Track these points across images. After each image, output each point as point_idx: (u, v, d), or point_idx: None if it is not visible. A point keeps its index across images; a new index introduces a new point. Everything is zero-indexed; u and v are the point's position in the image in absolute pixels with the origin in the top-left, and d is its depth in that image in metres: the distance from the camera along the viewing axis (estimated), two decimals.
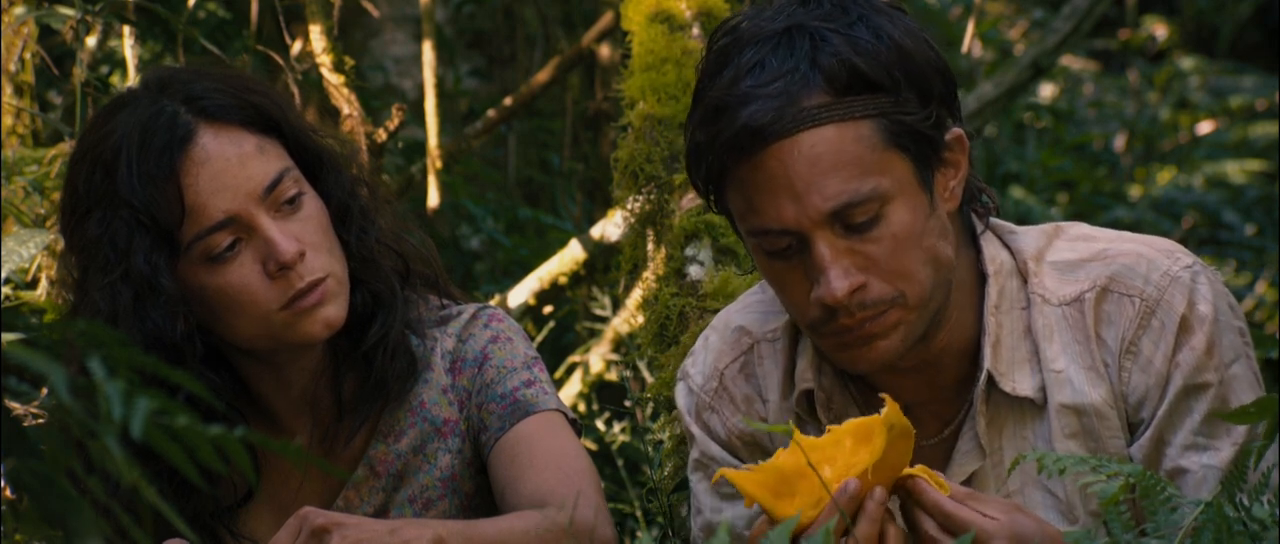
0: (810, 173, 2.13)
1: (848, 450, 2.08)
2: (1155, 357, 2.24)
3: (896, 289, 2.18)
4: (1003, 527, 2.02)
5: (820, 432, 2.37)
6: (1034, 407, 2.28)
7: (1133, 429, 2.27)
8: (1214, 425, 2.22)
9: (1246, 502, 1.87)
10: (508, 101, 5.13)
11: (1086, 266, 2.29)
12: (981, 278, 2.30)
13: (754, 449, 2.42)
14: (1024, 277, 2.30)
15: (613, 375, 4.65)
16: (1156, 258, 2.27)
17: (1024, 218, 7.14)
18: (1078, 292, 2.27)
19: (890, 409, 2.05)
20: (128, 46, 3.92)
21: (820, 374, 2.34)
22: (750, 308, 2.44)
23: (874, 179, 2.14)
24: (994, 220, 2.33)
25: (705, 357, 2.45)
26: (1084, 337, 2.26)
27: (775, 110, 2.13)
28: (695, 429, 2.44)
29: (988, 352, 2.26)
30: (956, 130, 2.22)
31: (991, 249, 2.30)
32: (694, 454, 2.46)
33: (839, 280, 2.15)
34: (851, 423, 2.08)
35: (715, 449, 2.42)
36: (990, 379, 2.27)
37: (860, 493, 2.03)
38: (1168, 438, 2.24)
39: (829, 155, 2.13)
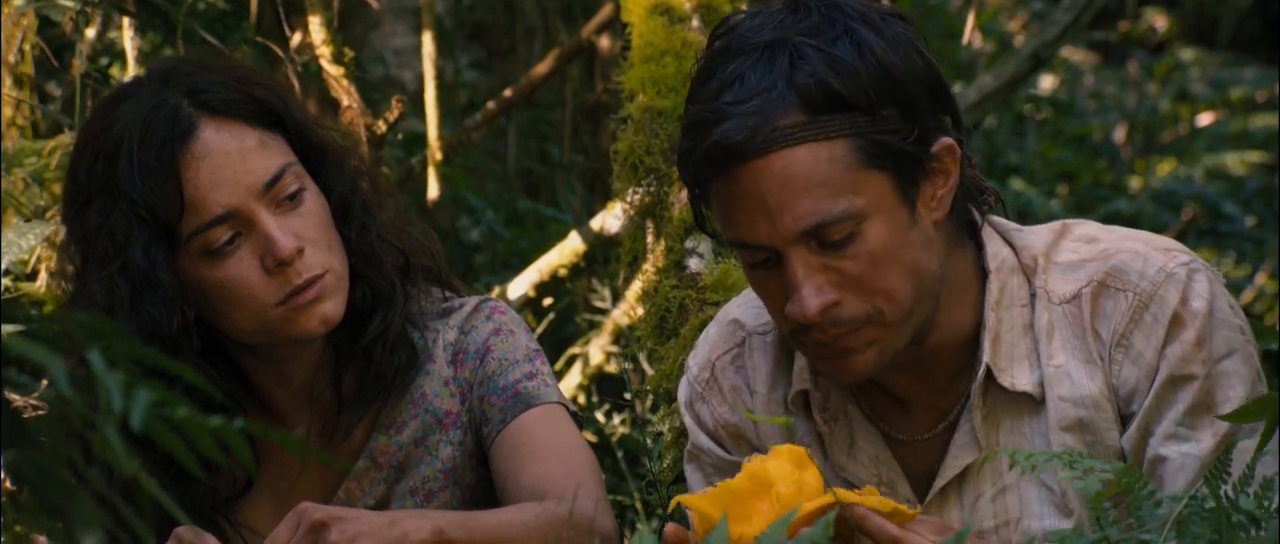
0: (782, 193, 2.12)
1: (789, 470, 2.08)
2: (1146, 350, 2.24)
3: (873, 306, 2.17)
4: None
5: (813, 430, 2.37)
6: (1032, 402, 2.28)
7: (1124, 423, 2.27)
8: (1197, 417, 2.22)
9: (1232, 494, 1.87)
10: (507, 93, 5.13)
11: (1087, 266, 2.29)
12: (983, 274, 2.29)
13: (739, 441, 2.42)
14: (1027, 274, 2.30)
15: (612, 367, 4.65)
16: (1153, 255, 2.27)
17: (1024, 209, 7.14)
18: (1076, 289, 2.28)
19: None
20: (127, 38, 3.92)
21: (817, 374, 2.34)
22: (749, 302, 2.44)
23: (847, 199, 2.13)
24: (995, 218, 2.32)
25: (703, 349, 2.46)
26: (1081, 331, 2.27)
27: (749, 130, 2.12)
28: (687, 419, 2.45)
29: (987, 346, 2.26)
30: (946, 141, 2.19)
31: (994, 246, 2.30)
32: (687, 445, 2.47)
33: (811, 298, 2.15)
34: (784, 448, 2.09)
35: (703, 439, 2.43)
36: (988, 374, 2.27)
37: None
38: (1151, 427, 2.24)
39: (801, 176, 2.12)
